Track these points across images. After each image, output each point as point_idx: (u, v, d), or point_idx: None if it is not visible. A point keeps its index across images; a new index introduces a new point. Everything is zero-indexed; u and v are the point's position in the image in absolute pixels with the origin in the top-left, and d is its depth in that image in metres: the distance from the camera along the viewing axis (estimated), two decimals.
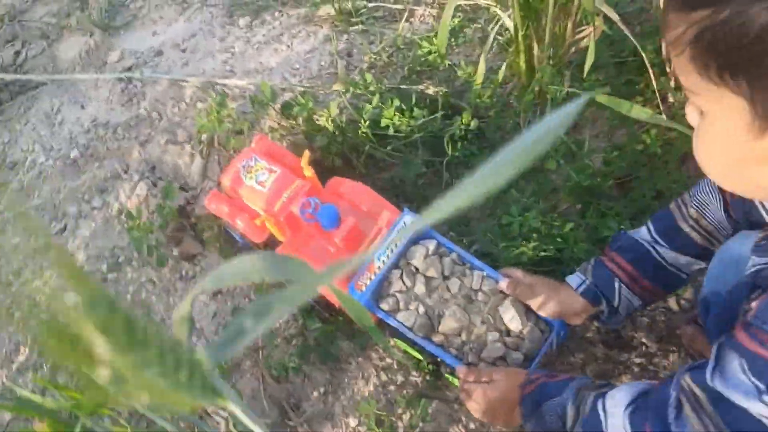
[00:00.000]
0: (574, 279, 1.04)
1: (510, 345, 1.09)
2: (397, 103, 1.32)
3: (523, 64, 1.31)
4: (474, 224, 1.32)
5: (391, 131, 1.29)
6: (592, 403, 0.85)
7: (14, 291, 1.37)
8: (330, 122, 1.29)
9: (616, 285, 1.01)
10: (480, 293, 1.12)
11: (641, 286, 1.00)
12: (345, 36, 1.60)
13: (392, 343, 1.20)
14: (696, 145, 0.68)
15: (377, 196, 1.23)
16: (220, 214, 1.24)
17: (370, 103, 1.34)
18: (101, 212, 1.44)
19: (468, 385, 1.04)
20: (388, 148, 1.33)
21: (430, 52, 1.44)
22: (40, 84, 1.72)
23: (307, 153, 1.20)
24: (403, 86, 1.46)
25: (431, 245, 1.15)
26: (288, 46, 1.62)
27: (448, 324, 1.10)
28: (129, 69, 1.67)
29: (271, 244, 1.26)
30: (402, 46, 1.54)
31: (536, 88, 1.30)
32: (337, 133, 1.32)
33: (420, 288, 1.13)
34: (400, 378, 1.23)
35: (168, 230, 1.39)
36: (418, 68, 1.47)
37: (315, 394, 1.22)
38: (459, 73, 1.38)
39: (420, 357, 1.18)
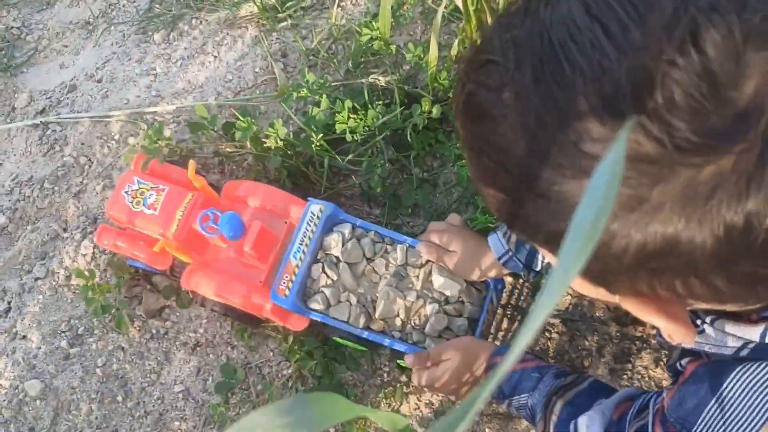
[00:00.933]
0: (496, 246, 1.00)
1: (451, 312, 1.04)
2: (349, 103, 1.20)
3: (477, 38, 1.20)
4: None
5: (348, 137, 1.17)
6: (564, 419, 0.82)
7: None
8: (279, 141, 1.16)
9: (540, 256, 0.97)
10: (408, 267, 1.07)
11: None
12: (274, 35, 1.46)
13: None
14: None
15: (280, 191, 1.14)
16: (116, 249, 1.14)
17: (318, 106, 1.21)
18: (46, 282, 1.29)
19: (421, 372, 0.99)
20: (349, 156, 1.21)
21: (372, 39, 1.32)
22: None
23: (193, 162, 1.10)
24: (349, 81, 1.33)
25: (346, 230, 1.08)
26: (215, 56, 1.47)
27: (383, 308, 1.03)
28: (42, 112, 1.49)
29: (177, 266, 1.17)
30: (339, 37, 1.41)
31: None
32: (289, 151, 1.20)
33: (346, 277, 1.05)
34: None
35: (124, 288, 1.26)
36: (362, 58, 1.35)
37: None
38: (408, 56, 1.26)
39: (364, 349, 1.12)
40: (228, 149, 1.28)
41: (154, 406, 1.19)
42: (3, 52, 1.60)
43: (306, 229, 1.06)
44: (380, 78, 1.30)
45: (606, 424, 0.78)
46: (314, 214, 1.07)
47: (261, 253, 1.07)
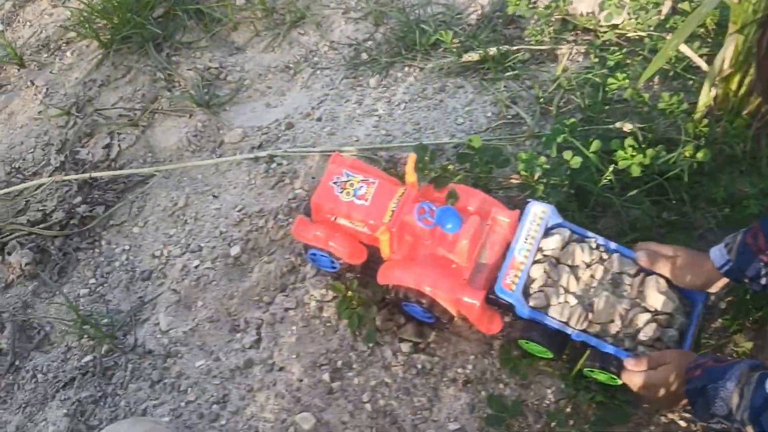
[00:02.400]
0: (717, 257, 1.00)
1: (662, 323, 1.04)
2: (598, 144, 1.22)
3: (735, 89, 1.26)
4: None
5: (635, 171, 1.19)
6: (758, 381, 0.79)
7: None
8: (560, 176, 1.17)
9: (763, 270, 0.95)
10: (625, 276, 1.08)
11: None
12: (500, 83, 1.49)
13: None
14: None
15: (482, 193, 1.16)
16: (311, 242, 1.14)
17: (587, 148, 1.23)
18: (298, 312, 1.22)
19: (636, 374, 0.98)
20: (632, 192, 1.22)
21: (618, 88, 1.36)
22: (146, 178, 1.48)
23: (413, 156, 1.12)
24: (589, 126, 1.36)
25: (566, 234, 1.10)
26: (439, 101, 1.49)
27: (602, 312, 1.04)
28: (259, 147, 1.47)
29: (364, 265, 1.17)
30: (568, 87, 1.45)
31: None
32: (551, 181, 1.20)
33: (566, 279, 1.06)
34: None
35: (379, 316, 1.19)
36: (606, 106, 1.38)
37: None
38: (661, 105, 1.30)
39: (550, 355, 1.10)
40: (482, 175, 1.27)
41: None
42: (205, 90, 1.59)
43: (530, 227, 1.08)
44: (626, 124, 1.33)
45: None
46: (537, 215, 1.10)
47: (472, 248, 1.08)
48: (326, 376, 1.15)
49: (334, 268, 1.20)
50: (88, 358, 1.23)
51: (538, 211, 1.10)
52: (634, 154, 1.21)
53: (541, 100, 1.44)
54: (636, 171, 1.19)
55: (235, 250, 1.31)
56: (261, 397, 1.14)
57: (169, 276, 1.31)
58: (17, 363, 1.25)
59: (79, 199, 1.42)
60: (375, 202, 1.11)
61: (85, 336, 1.26)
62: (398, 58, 1.59)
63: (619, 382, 1.07)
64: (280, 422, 1.11)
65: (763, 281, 0.97)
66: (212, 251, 1.32)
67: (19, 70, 1.73)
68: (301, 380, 1.15)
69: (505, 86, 1.49)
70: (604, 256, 1.10)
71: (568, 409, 1.12)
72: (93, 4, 1.69)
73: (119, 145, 1.53)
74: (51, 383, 1.22)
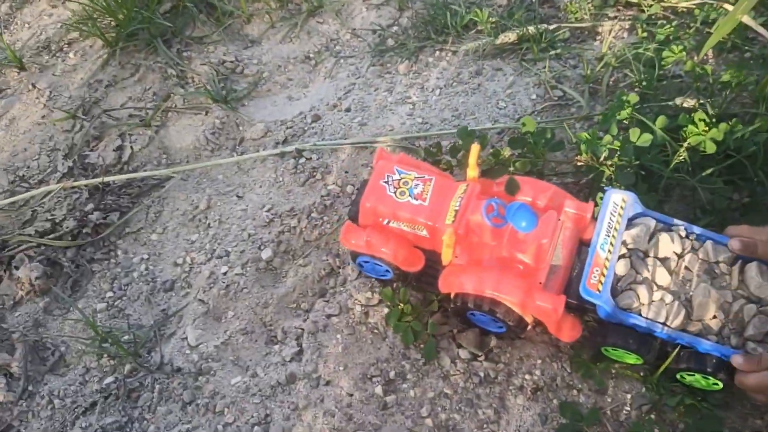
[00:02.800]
0: None
1: None
2: (665, 120, 1.11)
3: None
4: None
5: (709, 146, 1.07)
6: None
7: None
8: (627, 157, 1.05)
9: None
10: (722, 265, 0.95)
11: None
12: (541, 64, 1.38)
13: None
14: None
15: (551, 186, 1.03)
16: (363, 249, 1.02)
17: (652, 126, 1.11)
18: (342, 319, 1.10)
19: (750, 375, 0.86)
20: (708, 170, 1.10)
21: (675, 62, 1.25)
22: (162, 181, 1.35)
23: (477, 146, 1.00)
24: (647, 104, 1.25)
25: (651, 223, 0.97)
26: (477, 85, 1.37)
27: (702, 307, 0.91)
28: (284, 142, 1.35)
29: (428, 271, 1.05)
30: (615, 65, 1.34)
31: None
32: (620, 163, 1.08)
33: (657, 273, 0.93)
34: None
35: (435, 320, 1.07)
36: (663, 81, 1.27)
37: None
38: (725, 77, 1.19)
39: (641, 361, 0.98)
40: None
41: None
42: (221, 85, 1.48)
43: (611, 219, 0.95)
44: (688, 99, 1.22)
45: None
46: (617, 204, 0.97)
47: (549, 247, 0.95)
48: (379, 390, 1.03)
49: (386, 275, 1.08)
50: (110, 379, 1.11)
51: (619, 200, 0.97)
52: (707, 129, 1.09)
53: (589, 79, 1.33)
54: (711, 147, 1.07)
55: (266, 254, 1.18)
56: (308, 415, 1.01)
57: (195, 285, 1.19)
58: (30, 388, 1.12)
59: (91, 206, 1.30)
60: (435, 201, 0.99)
61: (105, 355, 1.14)
62: (428, 42, 1.47)
63: (720, 385, 0.95)
64: None
65: None
66: (241, 256, 1.19)
67: (19, 73, 1.62)
68: (351, 395, 1.03)
69: (547, 67, 1.37)
70: (695, 245, 0.97)
71: (652, 416, 1.00)
72: (96, 1, 1.58)
73: (131, 147, 1.41)
74: (69, 409, 1.09)
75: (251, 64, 1.53)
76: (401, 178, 1.01)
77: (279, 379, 1.05)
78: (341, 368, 1.05)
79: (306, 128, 1.36)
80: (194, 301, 1.16)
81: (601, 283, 0.91)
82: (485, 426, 1.01)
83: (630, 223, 0.98)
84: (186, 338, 1.12)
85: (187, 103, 1.47)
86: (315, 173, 1.27)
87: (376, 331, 1.09)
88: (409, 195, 0.99)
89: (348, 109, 1.38)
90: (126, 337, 1.14)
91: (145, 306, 1.19)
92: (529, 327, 1.03)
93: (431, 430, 1.00)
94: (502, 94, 1.35)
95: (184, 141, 1.42)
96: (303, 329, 1.09)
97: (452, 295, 1.02)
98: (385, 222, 1.01)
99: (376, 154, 1.05)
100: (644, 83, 1.27)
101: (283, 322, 1.12)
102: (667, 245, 0.95)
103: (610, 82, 1.32)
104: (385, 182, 1.01)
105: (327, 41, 1.55)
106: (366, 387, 1.03)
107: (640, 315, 0.91)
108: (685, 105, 1.21)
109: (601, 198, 1.00)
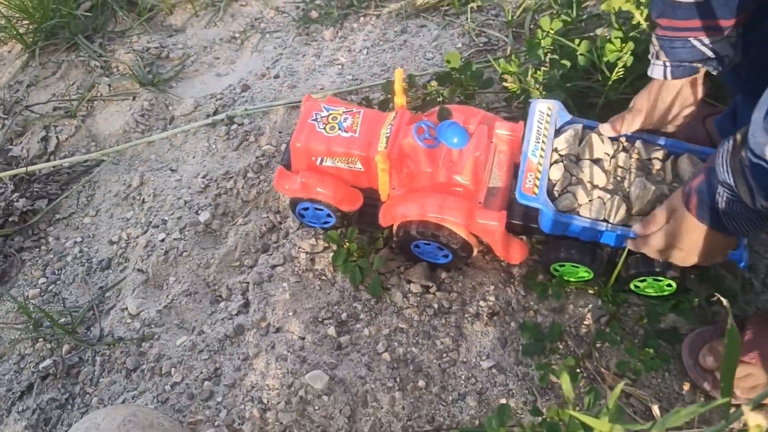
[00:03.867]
0: (656, 71, 0.89)
1: None
2: (588, 44, 1.13)
3: None
4: None
5: (628, 62, 1.09)
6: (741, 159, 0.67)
7: None
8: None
9: (695, 43, 0.84)
10: (654, 161, 0.96)
11: (716, 26, 0.81)
12: (464, 17, 1.40)
13: None
14: None
15: (480, 110, 1.03)
16: (297, 193, 1.00)
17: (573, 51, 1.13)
18: (287, 268, 1.06)
19: (652, 236, 0.85)
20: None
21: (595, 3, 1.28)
22: (91, 167, 1.31)
23: (400, 71, 0.99)
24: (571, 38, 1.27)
25: (578, 127, 0.98)
26: (403, 41, 1.38)
27: (642, 200, 0.91)
28: (215, 113, 1.32)
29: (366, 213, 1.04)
30: (535, 8, 1.36)
31: None
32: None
33: (593, 174, 0.94)
34: None
35: (382, 262, 1.05)
36: (576, 23, 1.30)
37: None
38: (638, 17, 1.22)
39: (590, 276, 0.99)
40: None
41: (466, 387, 0.96)
42: (147, 69, 1.45)
43: (538, 126, 0.95)
44: (606, 31, 1.25)
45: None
46: (543, 113, 0.97)
47: (483, 164, 0.96)
48: (332, 331, 1.00)
49: (329, 221, 1.06)
50: (47, 362, 1.04)
51: (544, 108, 0.97)
52: (623, 45, 1.11)
53: (512, 23, 1.35)
54: (629, 60, 1.10)
55: (204, 217, 1.15)
56: (260, 363, 0.97)
57: (132, 258, 1.14)
58: None
59: (16, 195, 1.24)
60: (365, 131, 0.97)
61: (41, 339, 1.07)
62: (351, 9, 1.48)
63: (673, 287, 0.95)
64: (286, 387, 0.94)
65: (711, 54, 0.85)
66: (178, 222, 1.15)
67: None
68: (303, 338, 0.99)
69: (469, 18, 1.39)
70: (626, 145, 0.98)
71: (612, 326, 0.99)
72: (11, 2, 1.54)
73: (57, 138, 1.36)
74: (4, 398, 1.02)
75: (176, 49, 1.51)
76: (330, 114, 1.00)
77: (227, 332, 1.00)
78: (291, 314, 1.01)
79: (236, 98, 1.34)
80: (133, 272, 1.11)
81: (537, 186, 0.90)
82: (444, 355, 0.99)
83: (559, 131, 0.99)
84: (126, 308, 1.07)
85: (112, 90, 1.43)
86: (248, 137, 1.25)
87: (324, 277, 1.06)
88: (339, 129, 0.98)
89: (277, 76, 1.36)
90: (63, 320, 1.08)
91: (82, 287, 1.14)
92: (475, 252, 1.01)
93: (389, 364, 0.97)
94: (429, 47, 1.35)
95: (113, 127, 1.37)
96: (248, 282, 1.05)
97: (395, 228, 1.00)
98: (319, 161, 0.99)
99: (304, 100, 1.04)
100: (565, 18, 1.29)
101: (226, 280, 1.08)
102: (599, 146, 0.96)
103: (532, 27, 1.34)
104: (314, 120, 0.99)
105: (252, 20, 1.54)
106: (318, 330, 1.00)
107: (579, 215, 0.91)
108: (606, 36, 1.24)
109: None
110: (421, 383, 0.95)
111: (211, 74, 1.44)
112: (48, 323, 1.07)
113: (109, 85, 1.43)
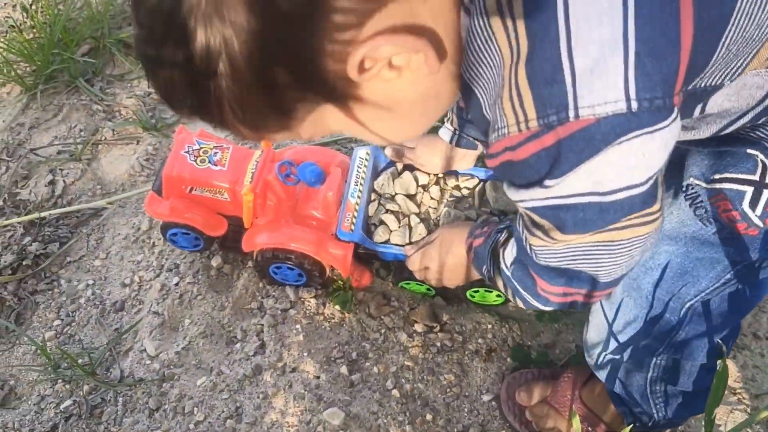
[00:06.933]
0: (443, 132, 1.06)
1: None
2: None
3: None
4: None
5: None
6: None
7: None
8: None
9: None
10: (464, 189, 1.12)
11: None
12: None
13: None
14: (374, 134, 0.58)
15: (325, 148, 1.19)
16: (167, 217, 1.10)
17: None
18: (299, 311, 1.13)
19: (413, 257, 1.01)
20: None
21: None
22: (100, 209, 1.36)
23: None
24: None
25: (394, 168, 1.14)
26: None
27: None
28: None
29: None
30: None
31: None
32: None
33: (406, 204, 1.09)
34: None
35: (373, 304, 1.13)
36: None
37: None
38: None
39: (426, 290, 1.14)
40: None
41: (469, 419, 1.04)
42: (150, 114, 1.51)
43: (357, 171, 1.11)
44: None
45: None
46: (362, 158, 1.13)
47: (337, 200, 1.09)
48: (344, 369, 1.07)
49: (197, 246, 1.16)
50: (68, 402, 1.09)
51: (363, 154, 1.13)
52: None
53: None
54: None
55: (216, 261, 1.21)
56: (278, 401, 1.04)
57: (147, 300, 1.20)
58: None
59: (28, 239, 1.28)
60: (233, 166, 1.07)
61: (60, 380, 1.12)
62: None
63: (503, 299, 1.09)
64: (305, 424, 1.01)
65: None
66: (191, 266, 1.21)
67: None
68: (318, 377, 1.06)
69: None
70: (439, 179, 1.12)
71: None
72: (12, 46, 1.58)
73: (64, 181, 1.41)
74: None
75: None
76: (201, 148, 1.09)
77: (245, 373, 1.07)
78: (305, 354, 1.08)
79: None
80: (149, 314, 1.17)
81: (353, 224, 1.05)
82: (449, 390, 1.07)
83: (380, 172, 1.13)
84: (144, 350, 1.12)
85: (116, 134, 1.49)
86: None
87: (333, 319, 1.13)
88: (209, 162, 1.08)
89: None
90: (81, 361, 1.13)
91: (97, 329, 1.18)
92: (327, 275, 1.11)
93: (398, 400, 1.05)
94: None
95: (118, 170, 1.43)
96: (262, 324, 1.12)
97: (254, 254, 1.09)
98: (188, 190, 1.09)
99: (177, 131, 1.13)
100: None
101: (240, 322, 1.14)
102: (411, 182, 1.10)
103: None
104: (186, 152, 1.09)
105: None
106: (331, 368, 1.07)
107: (389, 245, 1.05)
108: None
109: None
110: (429, 417, 1.04)
111: None
112: (66, 364, 1.12)
113: (113, 130, 1.49)
